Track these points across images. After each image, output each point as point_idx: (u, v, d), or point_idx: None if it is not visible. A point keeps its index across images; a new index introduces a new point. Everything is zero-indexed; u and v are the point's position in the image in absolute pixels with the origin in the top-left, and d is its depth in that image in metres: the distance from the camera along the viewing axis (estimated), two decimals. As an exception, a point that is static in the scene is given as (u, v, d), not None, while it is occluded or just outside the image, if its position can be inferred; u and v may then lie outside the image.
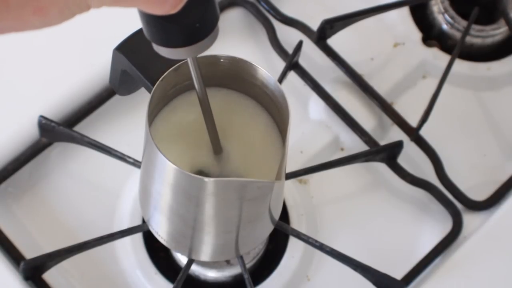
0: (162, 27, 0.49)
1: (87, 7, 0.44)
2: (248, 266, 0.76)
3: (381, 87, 0.86)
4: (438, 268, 0.78)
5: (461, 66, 0.88)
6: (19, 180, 0.81)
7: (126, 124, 0.84)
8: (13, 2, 0.42)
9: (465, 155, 0.85)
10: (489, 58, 0.89)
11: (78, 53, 0.84)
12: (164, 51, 0.51)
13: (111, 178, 0.82)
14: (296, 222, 0.80)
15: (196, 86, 0.57)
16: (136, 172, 0.77)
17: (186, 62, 0.55)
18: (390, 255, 0.81)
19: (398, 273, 0.77)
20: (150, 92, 0.60)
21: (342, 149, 0.85)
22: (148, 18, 0.49)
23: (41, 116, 0.78)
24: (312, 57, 0.87)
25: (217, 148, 0.62)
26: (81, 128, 0.82)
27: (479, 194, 0.82)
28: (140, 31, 0.53)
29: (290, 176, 0.78)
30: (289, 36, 0.87)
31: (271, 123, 0.64)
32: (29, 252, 0.77)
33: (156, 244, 0.76)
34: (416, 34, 0.89)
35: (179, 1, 0.45)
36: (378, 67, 0.88)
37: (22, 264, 0.74)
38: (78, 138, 0.78)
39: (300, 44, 0.83)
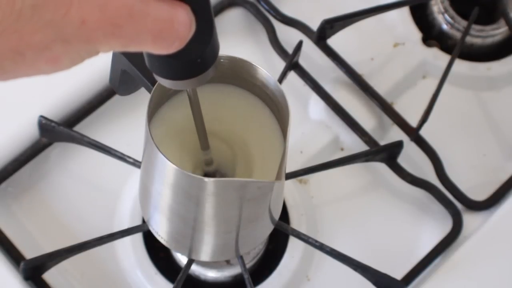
0: (164, 62, 0.50)
1: (96, 53, 0.46)
2: (248, 266, 0.76)
3: (381, 87, 0.86)
4: (438, 268, 0.78)
5: (461, 66, 0.88)
6: (19, 180, 0.81)
7: (126, 124, 0.84)
8: (29, 54, 0.44)
9: (465, 155, 0.85)
10: (489, 58, 0.89)
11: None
12: (164, 82, 0.52)
13: (111, 178, 0.82)
14: (296, 222, 0.80)
15: (194, 114, 0.58)
16: (136, 172, 0.77)
17: None
18: (390, 255, 0.81)
19: (398, 273, 0.77)
20: (150, 92, 0.60)
21: (342, 149, 0.85)
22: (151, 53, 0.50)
23: (41, 116, 0.78)
24: (312, 57, 0.87)
25: (204, 144, 0.62)
26: (81, 128, 0.82)
27: (479, 194, 0.82)
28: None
29: (290, 176, 0.78)
30: (289, 36, 0.87)
31: (273, 121, 0.64)
32: (29, 252, 0.77)
33: (156, 244, 0.76)
34: (416, 34, 0.89)
35: (184, 41, 0.47)
36: (378, 67, 0.88)
37: (22, 264, 0.74)
38: (78, 138, 0.78)
39: (300, 44, 0.83)
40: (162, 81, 0.52)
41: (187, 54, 0.49)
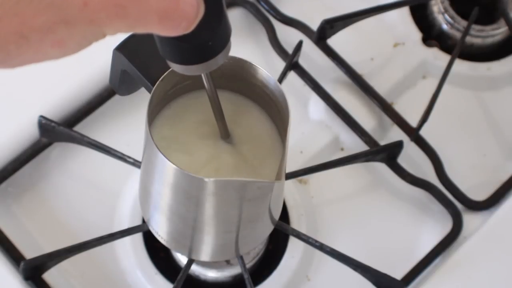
0: (175, 46, 0.50)
1: (103, 36, 0.46)
2: (248, 266, 0.76)
3: (381, 87, 0.86)
4: (438, 268, 0.78)
5: (461, 66, 0.88)
6: (19, 180, 0.81)
7: (126, 124, 0.84)
8: (33, 37, 0.44)
9: (465, 155, 0.85)
10: (489, 58, 0.89)
11: (78, 53, 0.83)
12: (178, 68, 0.52)
13: (111, 178, 0.82)
14: (296, 222, 0.80)
15: (210, 99, 0.59)
16: (136, 172, 0.77)
17: None
18: (390, 255, 0.81)
19: (398, 273, 0.77)
20: (150, 92, 0.60)
21: (342, 149, 0.85)
22: (161, 37, 0.50)
23: (41, 116, 0.78)
24: (312, 57, 0.87)
25: (225, 134, 0.62)
26: (81, 128, 0.82)
27: (479, 194, 0.82)
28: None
29: (290, 176, 0.78)
30: (289, 36, 0.87)
31: (271, 124, 0.64)
32: (29, 252, 0.77)
33: (156, 244, 0.76)
34: (416, 34, 0.89)
35: (192, 22, 0.46)
36: (378, 67, 0.88)
37: (22, 264, 0.74)
38: (78, 138, 0.78)
39: (300, 44, 0.83)
40: (175, 67, 0.52)
41: (197, 36, 0.49)
